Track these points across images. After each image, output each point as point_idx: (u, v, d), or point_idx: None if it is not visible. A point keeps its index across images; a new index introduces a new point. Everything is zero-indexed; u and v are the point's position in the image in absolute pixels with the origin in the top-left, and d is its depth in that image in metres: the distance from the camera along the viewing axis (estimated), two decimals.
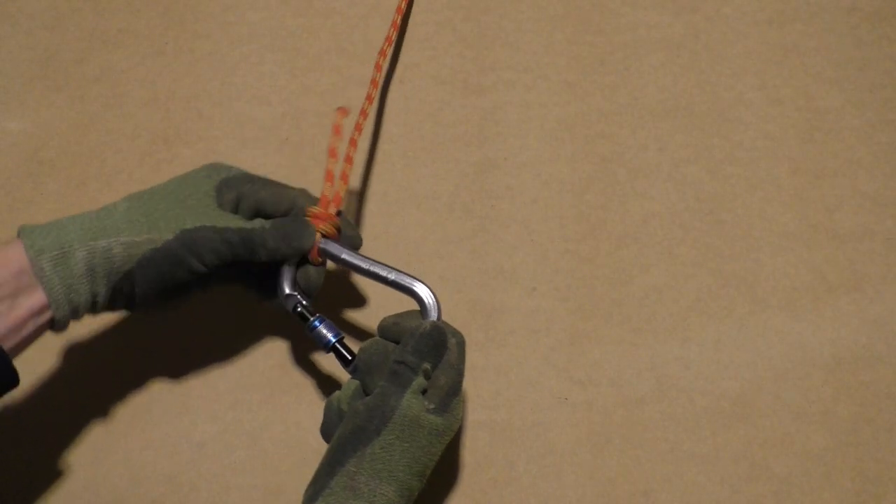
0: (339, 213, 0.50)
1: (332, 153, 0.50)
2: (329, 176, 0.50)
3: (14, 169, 0.61)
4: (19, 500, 0.51)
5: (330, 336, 0.48)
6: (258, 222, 0.47)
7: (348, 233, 0.50)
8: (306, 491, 0.42)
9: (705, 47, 0.66)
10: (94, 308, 0.45)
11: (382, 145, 0.62)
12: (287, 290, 0.48)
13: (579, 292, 0.57)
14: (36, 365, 0.55)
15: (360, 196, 0.61)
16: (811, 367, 0.55)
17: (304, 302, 0.48)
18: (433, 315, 0.47)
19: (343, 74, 0.65)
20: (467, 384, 0.55)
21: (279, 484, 0.52)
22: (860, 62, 0.65)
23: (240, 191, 0.48)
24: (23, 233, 0.43)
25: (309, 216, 0.48)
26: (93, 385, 0.54)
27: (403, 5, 0.64)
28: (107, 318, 0.56)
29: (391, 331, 0.47)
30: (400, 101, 0.64)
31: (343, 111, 0.51)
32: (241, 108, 0.64)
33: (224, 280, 0.50)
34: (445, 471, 0.52)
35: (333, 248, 0.48)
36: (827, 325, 0.56)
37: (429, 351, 0.45)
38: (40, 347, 0.46)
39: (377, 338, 0.47)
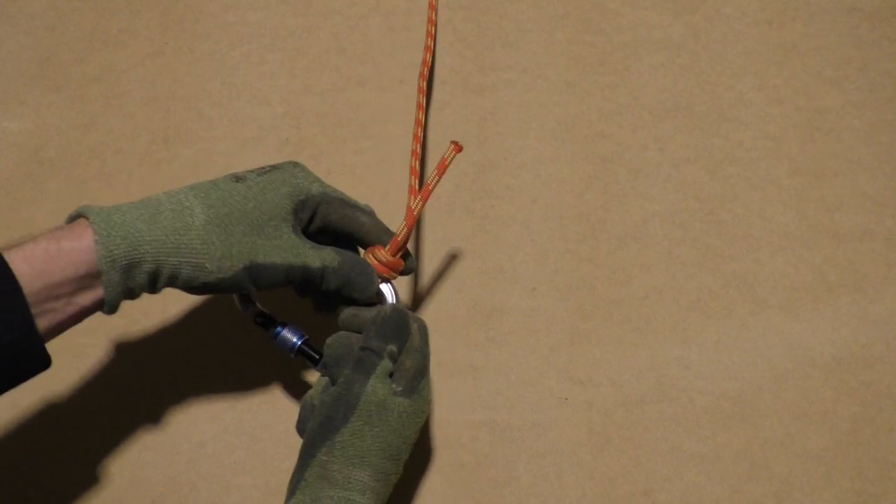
0: (405, 256, 0.50)
1: (424, 192, 0.50)
2: (409, 216, 0.49)
3: (14, 169, 0.61)
4: (19, 501, 0.51)
5: (294, 339, 0.48)
6: (328, 257, 0.47)
7: (408, 266, 0.51)
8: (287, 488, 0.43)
9: (705, 47, 0.66)
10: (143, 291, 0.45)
11: (382, 145, 0.62)
12: (240, 303, 0.49)
13: (579, 292, 0.57)
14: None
15: (361, 196, 0.61)
16: (811, 367, 0.55)
17: (264, 310, 0.49)
18: (391, 300, 0.48)
19: (343, 74, 0.65)
20: (467, 384, 0.55)
21: (279, 484, 0.52)
22: (860, 62, 0.65)
23: (319, 213, 0.48)
24: (97, 229, 0.42)
25: (378, 261, 0.49)
26: (92, 385, 0.54)
27: (434, 16, 0.63)
28: (106, 321, 0.56)
29: (353, 322, 0.47)
30: (400, 101, 0.64)
31: (457, 147, 0.50)
32: (241, 108, 0.64)
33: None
34: (445, 471, 0.52)
35: None
36: (827, 325, 0.56)
37: (392, 334, 0.45)
38: None
39: (341, 331, 0.47)
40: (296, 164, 0.49)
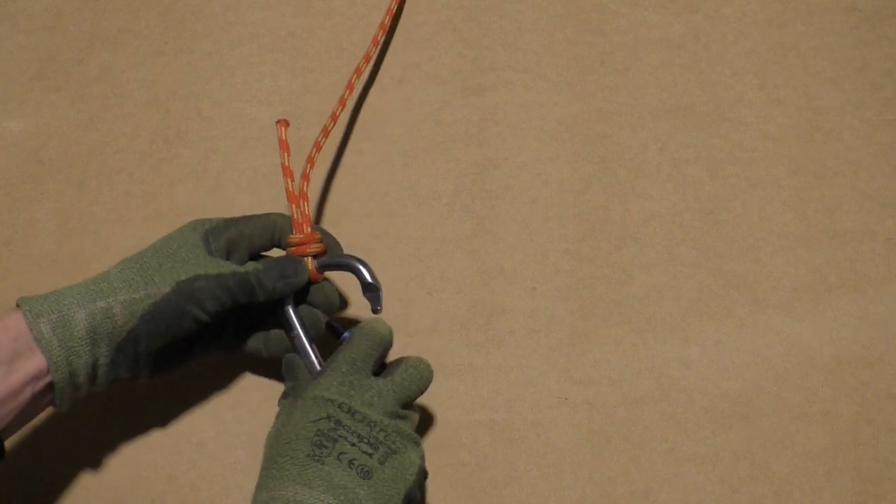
0: (315, 228, 0.51)
1: (285, 172, 0.51)
2: (291, 196, 0.50)
3: (14, 169, 0.61)
4: (19, 501, 0.51)
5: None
6: (251, 265, 0.48)
7: (328, 242, 0.51)
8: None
9: (705, 47, 0.66)
10: (94, 374, 0.44)
11: (382, 145, 0.62)
12: (297, 331, 0.49)
13: (579, 292, 0.57)
14: None
15: (361, 196, 0.61)
16: (811, 367, 0.55)
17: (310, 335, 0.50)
18: (368, 278, 0.49)
19: (343, 74, 0.65)
20: (467, 384, 0.55)
21: None
22: (860, 62, 0.65)
23: (227, 236, 0.48)
24: (21, 301, 0.43)
25: (292, 246, 0.49)
26: None
27: (394, 6, 0.64)
28: None
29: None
30: (400, 101, 0.64)
31: (284, 123, 0.51)
32: (241, 108, 0.64)
33: (228, 335, 0.50)
34: (445, 471, 0.52)
35: (325, 260, 0.50)
36: (827, 325, 0.56)
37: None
38: None
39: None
40: (196, 219, 0.50)
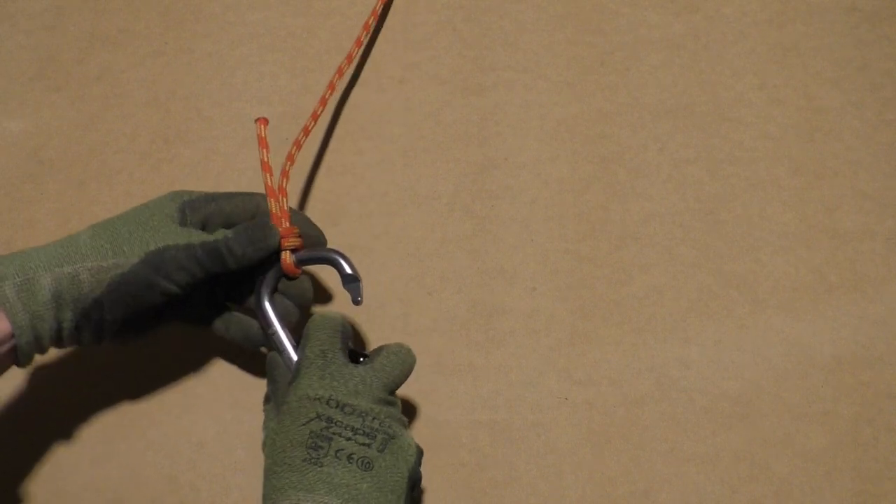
0: (294, 221, 0.50)
1: (264, 167, 0.50)
2: (270, 191, 0.49)
3: (14, 169, 0.61)
4: (20, 501, 0.51)
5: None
6: (220, 233, 0.47)
7: (311, 233, 0.51)
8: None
9: (705, 47, 0.66)
10: (59, 338, 0.44)
11: (382, 145, 0.62)
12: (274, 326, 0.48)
13: (579, 292, 0.57)
14: (34, 365, 0.55)
15: (361, 196, 0.61)
16: (811, 367, 0.55)
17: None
18: (348, 270, 0.48)
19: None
20: (467, 384, 0.55)
21: None
22: (860, 62, 0.65)
23: (205, 212, 0.48)
24: None
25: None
26: (92, 385, 0.54)
27: (379, 7, 0.64)
28: None
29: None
30: (400, 101, 0.64)
31: (263, 121, 0.51)
32: (241, 108, 0.64)
33: (198, 307, 0.50)
34: (445, 471, 0.52)
35: (303, 255, 0.49)
36: (827, 325, 0.56)
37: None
38: None
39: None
40: (179, 189, 0.49)
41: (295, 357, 0.47)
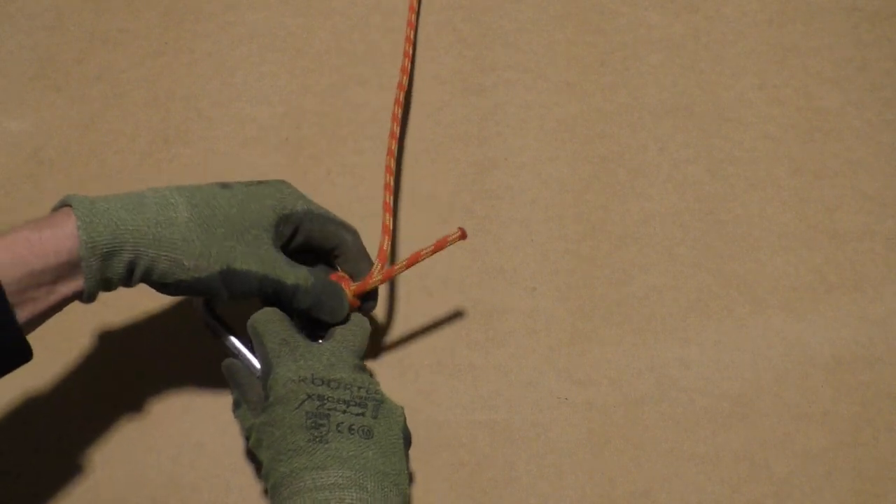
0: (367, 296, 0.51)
1: (385, 230, 0.51)
2: (382, 254, 0.50)
3: (14, 169, 0.61)
4: (19, 501, 0.51)
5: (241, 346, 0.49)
6: (302, 275, 0.47)
7: (365, 308, 0.51)
8: None
9: (705, 47, 0.66)
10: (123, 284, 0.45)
11: (382, 146, 0.62)
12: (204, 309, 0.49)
13: (579, 292, 0.57)
14: (35, 365, 0.54)
15: (361, 196, 0.61)
16: (811, 367, 0.55)
17: (220, 319, 0.49)
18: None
19: (343, 74, 0.65)
20: (467, 384, 0.55)
21: None
22: (860, 62, 0.65)
23: (297, 226, 0.49)
24: (79, 215, 0.41)
25: (343, 285, 0.49)
26: (92, 386, 0.54)
27: (414, 19, 0.65)
28: (105, 320, 0.56)
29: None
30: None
31: (462, 234, 0.50)
32: (241, 108, 0.64)
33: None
34: (445, 471, 0.52)
35: None
36: (827, 325, 0.56)
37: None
38: (38, 349, 0.46)
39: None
40: (284, 182, 0.49)
41: (252, 358, 0.47)
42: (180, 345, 0.56)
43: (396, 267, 0.50)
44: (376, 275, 0.49)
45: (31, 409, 0.53)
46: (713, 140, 0.62)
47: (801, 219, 0.60)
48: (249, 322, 0.47)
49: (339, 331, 0.48)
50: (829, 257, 0.58)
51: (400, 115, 0.57)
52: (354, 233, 0.51)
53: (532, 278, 0.58)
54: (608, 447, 0.53)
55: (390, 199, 0.53)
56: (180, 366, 0.55)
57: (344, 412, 0.43)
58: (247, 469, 0.52)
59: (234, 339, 0.49)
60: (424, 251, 0.50)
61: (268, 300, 0.47)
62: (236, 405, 0.47)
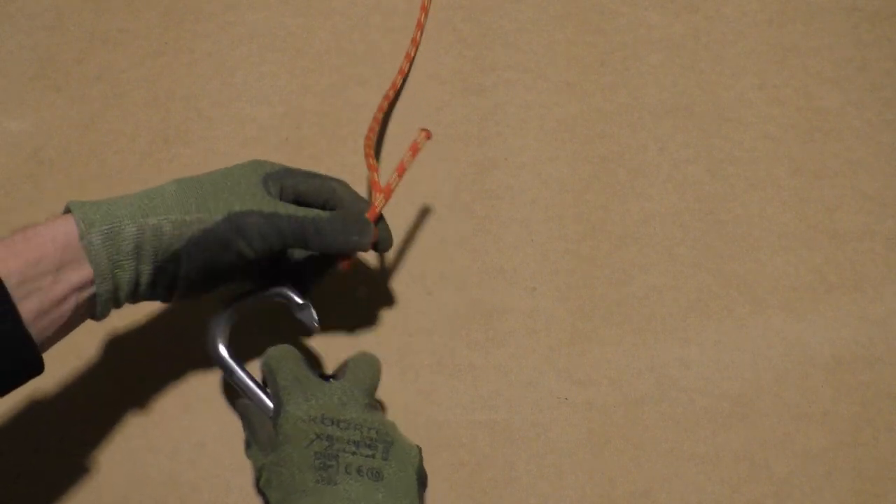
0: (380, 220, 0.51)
1: (399, 169, 0.51)
2: (377, 187, 0.50)
3: (14, 169, 0.61)
4: (19, 501, 0.51)
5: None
6: (311, 211, 0.47)
7: (386, 237, 0.51)
8: None
9: (705, 47, 0.66)
10: (135, 290, 0.44)
11: (382, 145, 0.62)
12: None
13: (579, 292, 0.57)
14: None
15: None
16: (811, 367, 0.55)
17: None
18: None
19: (343, 74, 0.65)
20: (467, 384, 0.55)
21: None
22: (860, 62, 0.65)
23: (282, 184, 0.48)
24: (73, 206, 0.42)
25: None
26: (93, 386, 0.54)
27: (423, 19, 0.66)
28: (106, 320, 0.56)
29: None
30: (400, 101, 0.64)
31: (427, 134, 0.51)
32: (241, 108, 0.64)
33: (261, 276, 0.50)
34: (445, 471, 0.52)
35: None
36: (827, 325, 0.56)
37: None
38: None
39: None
40: (258, 159, 0.49)
41: (264, 397, 0.47)
42: (181, 345, 0.56)
43: (391, 181, 0.49)
44: (379, 200, 0.49)
45: (31, 409, 0.53)
46: (713, 140, 0.62)
47: (801, 219, 0.60)
48: (264, 358, 0.47)
49: (350, 369, 0.47)
50: (829, 257, 0.58)
51: (384, 113, 0.59)
52: (342, 181, 0.50)
53: (532, 278, 0.58)
54: (608, 447, 0.53)
55: (374, 160, 0.53)
56: (181, 366, 0.55)
57: (353, 453, 0.42)
58: (247, 469, 0.52)
59: (245, 378, 0.48)
60: (405, 159, 0.50)
61: (291, 247, 0.46)
62: (248, 445, 0.47)
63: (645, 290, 0.57)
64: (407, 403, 0.53)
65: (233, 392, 0.52)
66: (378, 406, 0.47)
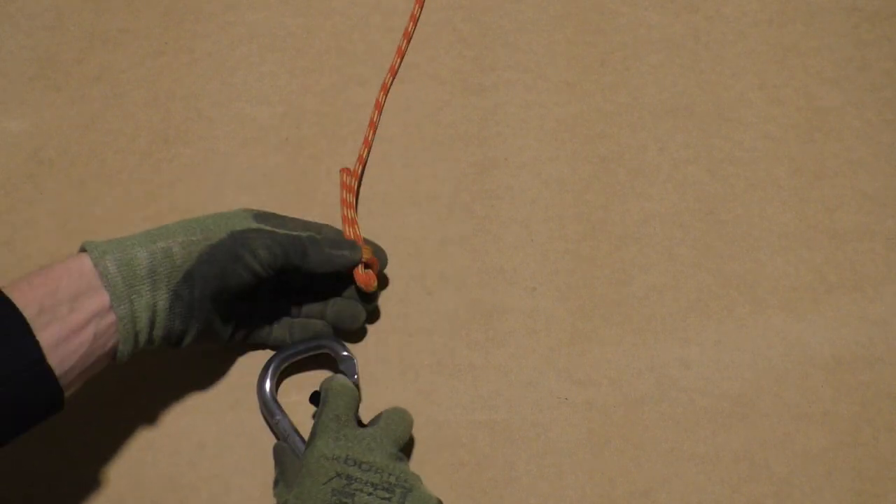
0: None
1: (343, 202, 0.56)
2: (346, 220, 0.55)
3: (14, 169, 0.61)
4: (20, 501, 0.51)
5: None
6: (304, 233, 0.50)
7: (381, 256, 0.55)
8: None
9: (705, 47, 0.66)
10: (153, 320, 0.45)
11: (382, 145, 0.62)
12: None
13: (579, 292, 0.57)
14: None
15: (361, 196, 0.61)
16: (811, 367, 0.55)
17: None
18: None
19: (343, 74, 0.65)
20: (467, 384, 0.55)
21: None
22: (860, 62, 0.65)
23: (271, 221, 0.51)
24: (86, 244, 0.44)
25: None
26: (93, 386, 0.54)
27: (411, 27, 0.66)
28: None
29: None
30: (400, 101, 0.64)
31: (347, 171, 0.57)
32: (241, 108, 0.64)
33: (265, 308, 0.53)
34: (445, 471, 0.52)
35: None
36: (827, 325, 0.56)
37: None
38: None
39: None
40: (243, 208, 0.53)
41: (299, 442, 0.49)
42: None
43: (347, 212, 0.55)
44: (349, 233, 0.54)
45: None
46: (713, 140, 0.62)
47: (801, 219, 0.60)
48: (326, 383, 0.50)
49: (383, 419, 0.49)
50: (829, 257, 0.58)
51: (380, 109, 0.62)
52: (311, 237, 0.52)
53: (532, 278, 0.58)
54: (608, 447, 0.53)
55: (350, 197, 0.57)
56: (181, 367, 0.55)
57: (370, 494, 0.44)
58: (247, 470, 0.52)
59: (285, 422, 0.51)
60: (344, 200, 0.56)
61: (294, 263, 0.49)
62: (276, 483, 0.48)
63: (645, 290, 0.57)
64: (407, 403, 0.53)
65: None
66: (405, 459, 0.48)
